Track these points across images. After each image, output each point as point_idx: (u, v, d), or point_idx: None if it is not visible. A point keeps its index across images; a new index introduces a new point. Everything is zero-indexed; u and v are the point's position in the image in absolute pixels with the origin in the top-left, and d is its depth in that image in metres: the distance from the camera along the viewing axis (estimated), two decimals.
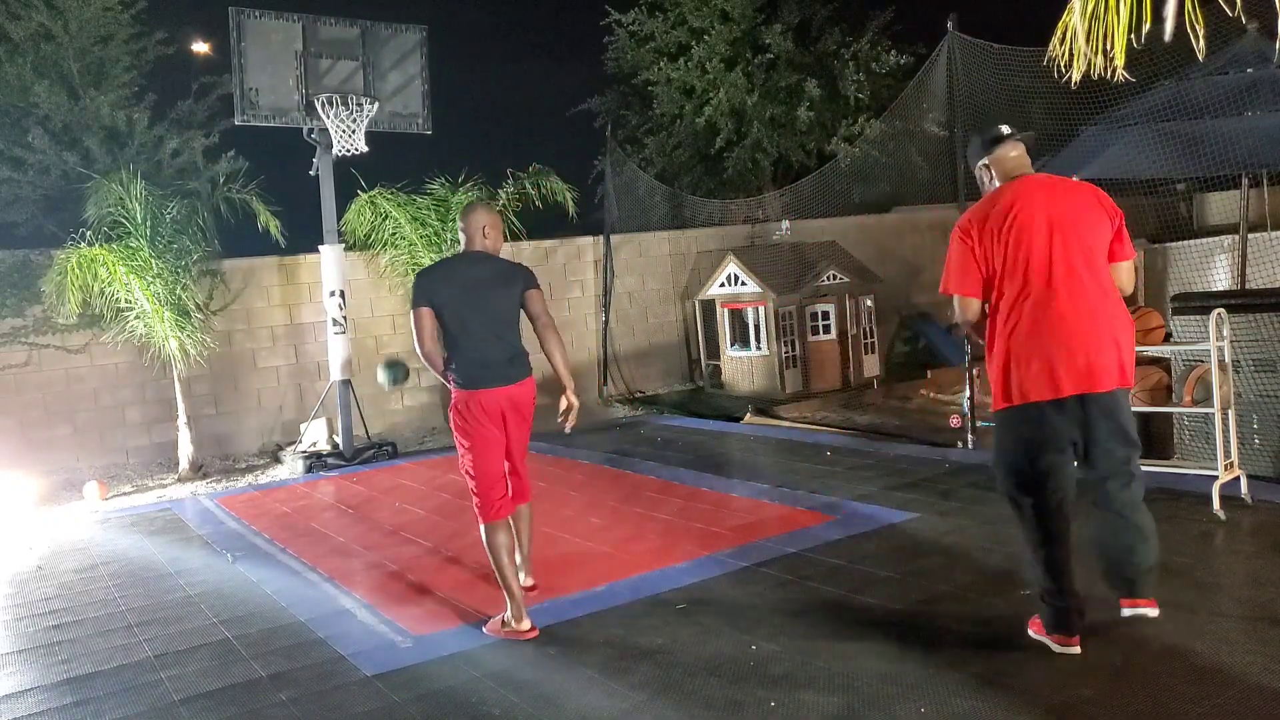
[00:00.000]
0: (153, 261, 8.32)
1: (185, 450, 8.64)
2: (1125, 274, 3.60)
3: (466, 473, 4.20)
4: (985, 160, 3.71)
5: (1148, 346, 5.31)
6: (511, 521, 4.28)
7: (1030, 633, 3.57)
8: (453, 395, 4.21)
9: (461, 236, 4.37)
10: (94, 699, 3.81)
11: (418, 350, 4.18)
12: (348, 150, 8.54)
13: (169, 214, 8.56)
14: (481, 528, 4.17)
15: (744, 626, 3.96)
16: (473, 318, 4.14)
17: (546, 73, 19.87)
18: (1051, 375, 3.38)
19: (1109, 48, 3.20)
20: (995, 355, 3.53)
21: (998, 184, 3.65)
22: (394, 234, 9.91)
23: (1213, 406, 4.92)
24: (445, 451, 9.05)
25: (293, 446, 9.02)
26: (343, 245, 9.13)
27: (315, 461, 8.55)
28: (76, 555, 6.17)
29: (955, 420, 7.62)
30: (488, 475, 4.17)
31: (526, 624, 4.09)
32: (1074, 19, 3.19)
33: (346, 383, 8.80)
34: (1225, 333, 5.04)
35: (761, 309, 10.43)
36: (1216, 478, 4.91)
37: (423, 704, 3.50)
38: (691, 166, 15.32)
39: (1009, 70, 7.83)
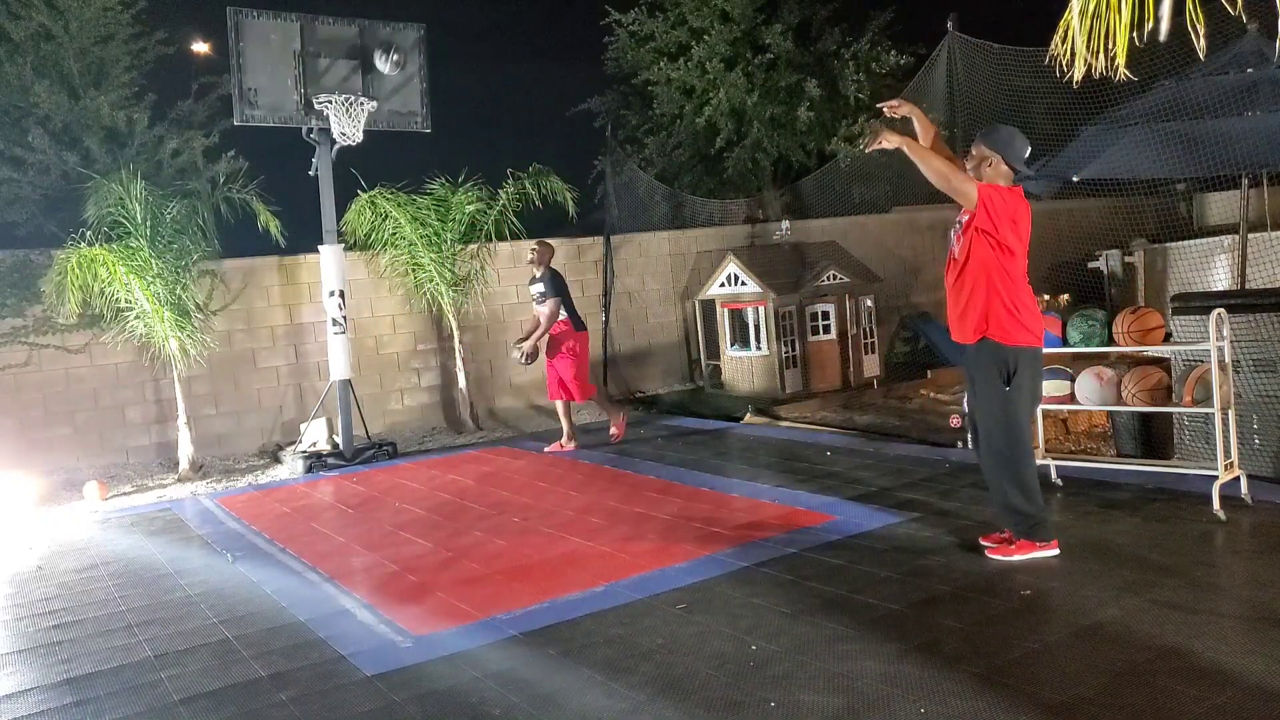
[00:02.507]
0: (153, 261, 8.32)
1: (185, 450, 8.63)
2: None
3: None
4: (1008, 163, 4.40)
5: (1147, 346, 5.31)
6: (563, 404, 8.48)
7: (1019, 557, 4.41)
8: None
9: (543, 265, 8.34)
10: (94, 699, 3.81)
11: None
12: (351, 136, 8.46)
13: (169, 214, 8.55)
14: None
15: (744, 626, 3.96)
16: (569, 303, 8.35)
17: (546, 73, 19.79)
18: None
19: (1110, 47, 3.19)
20: (1025, 305, 4.40)
21: (985, 177, 4.39)
22: (394, 234, 9.91)
23: (1213, 406, 4.92)
24: (445, 451, 9.06)
25: (293, 446, 9.02)
26: (343, 245, 9.13)
27: (315, 461, 8.55)
28: (76, 555, 6.17)
29: (955, 420, 7.62)
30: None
31: (571, 444, 8.41)
32: (1074, 18, 3.19)
33: (346, 383, 8.80)
34: (1225, 333, 5.04)
35: (761, 309, 10.42)
36: (1216, 478, 4.91)
37: (423, 704, 3.50)
38: (691, 166, 15.30)
39: (1009, 70, 7.84)
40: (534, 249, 8.43)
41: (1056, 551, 4.45)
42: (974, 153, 4.46)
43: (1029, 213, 4.43)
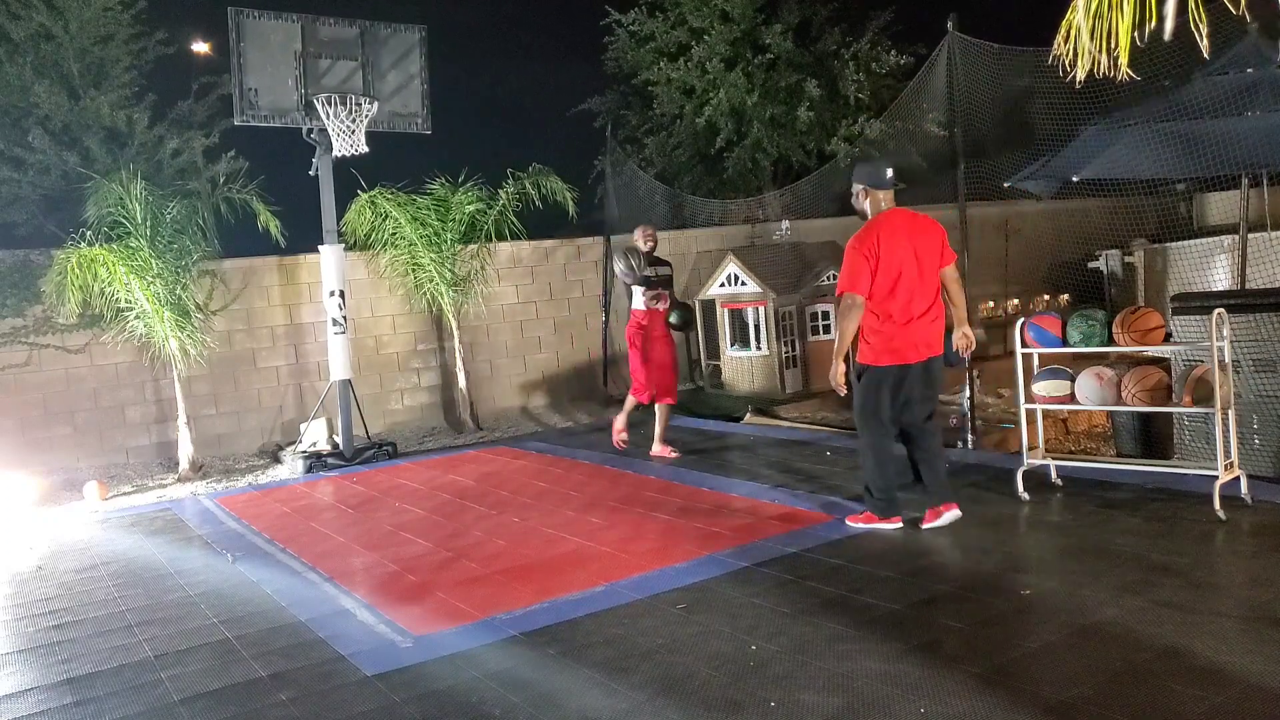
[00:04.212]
0: (153, 261, 8.32)
1: (185, 450, 8.64)
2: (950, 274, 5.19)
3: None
4: (881, 190, 5.05)
5: (1148, 346, 5.31)
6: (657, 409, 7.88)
7: (861, 526, 5.09)
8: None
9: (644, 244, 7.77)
10: (94, 699, 3.81)
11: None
12: (348, 150, 8.53)
13: (169, 214, 8.56)
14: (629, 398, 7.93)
15: (744, 626, 3.96)
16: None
17: (546, 73, 19.79)
18: (902, 351, 4.99)
19: (1112, 47, 3.20)
20: (874, 332, 5.01)
21: (868, 207, 5.08)
22: (394, 234, 9.91)
23: (1213, 406, 4.92)
24: (445, 451, 9.06)
25: (293, 446, 9.02)
26: (343, 245, 9.13)
27: (315, 461, 8.55)
28: (76, 555, 6.17)
29: (953, 420, 7.61)
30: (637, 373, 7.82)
31: (624, 433, 8.09)
32: (1078, 17, 3.19)
33: (346, 383, 8.80)
34: (1225, 333, 5.04)
35: (761, 309, 10.42)
36: (1216, 478, 4.90)
37: (423, 704, 3.50)
38: (691, 166, 15.30)
39: (1009, 70, 7.82)
40: (654, 232, 7.87)
41: (897, 526, 5.07)
42: (852, 192, 5.17)
43: (893, 231, 4.98)
